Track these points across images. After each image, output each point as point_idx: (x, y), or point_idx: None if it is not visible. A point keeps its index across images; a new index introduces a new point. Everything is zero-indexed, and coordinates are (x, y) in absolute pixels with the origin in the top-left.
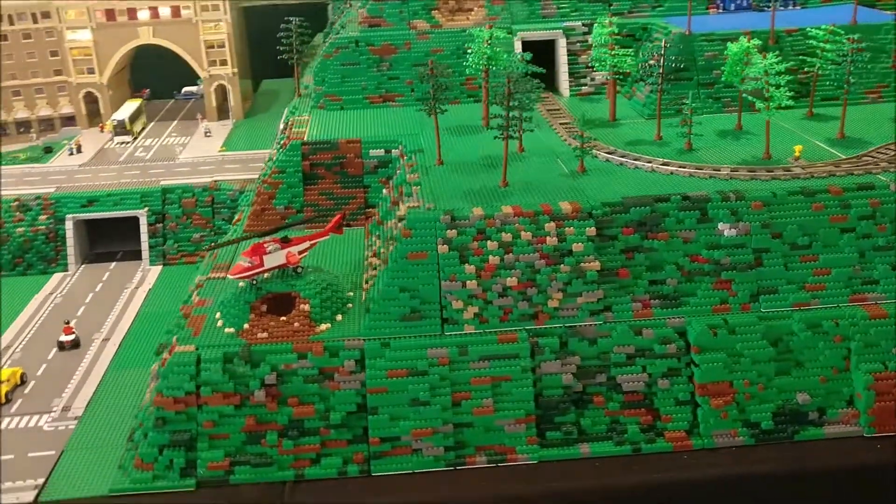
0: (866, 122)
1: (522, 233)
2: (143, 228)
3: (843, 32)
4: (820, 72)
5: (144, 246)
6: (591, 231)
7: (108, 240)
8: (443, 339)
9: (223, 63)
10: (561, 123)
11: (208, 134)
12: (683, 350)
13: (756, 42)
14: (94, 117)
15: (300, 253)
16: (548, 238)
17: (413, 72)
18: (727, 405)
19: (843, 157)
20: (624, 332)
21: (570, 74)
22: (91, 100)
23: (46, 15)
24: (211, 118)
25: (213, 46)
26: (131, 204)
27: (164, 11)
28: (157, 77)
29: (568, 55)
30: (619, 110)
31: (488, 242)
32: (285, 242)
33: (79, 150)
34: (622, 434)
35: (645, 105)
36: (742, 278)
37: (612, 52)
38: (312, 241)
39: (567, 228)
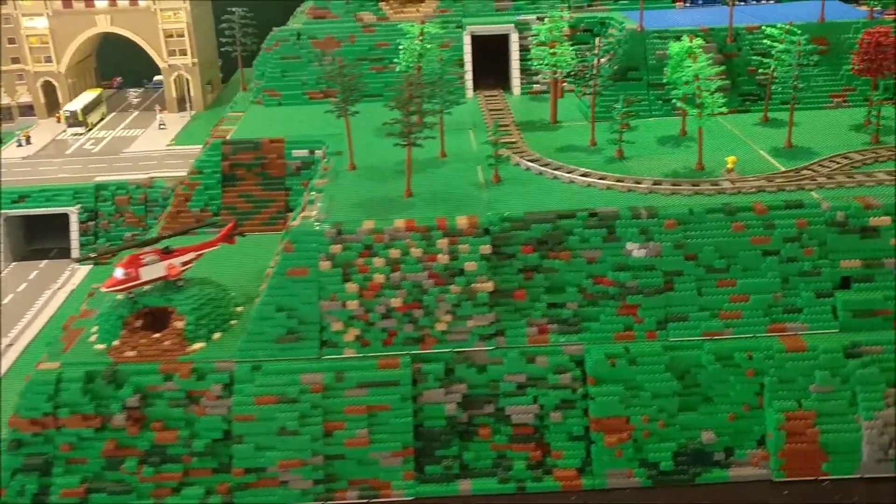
0: (822, 130)
1: (412, 249)
2: (74, 227)
3: (799, 32)
4: (776, 74)
5: (74, 244)
6: (486, 249)
7: (45, 236)
8: (318, 363)
9: (182, 53)
10: (500, 125)
11: (163, 126)
12: (580, 380)
13: (699, 42)
14: (54, 107)
15: (183, 264)
16: (439, 255)
17: (357, 67)
18: (622, 443)
19: (783, 169)
20: (515, 360)
21: (522, 72)
22: (50, 89)
23: (3, 1)
24: (171, 109)
25: (172, 36)
26: (63, 200)
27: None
28: (132, 65)
29: (520, 51)
30: (566, 111)
31: (375, 259)
32: (166, 253)
33: (28, 142)
34: (507, 470)
35: (591, 107)
36: (649, 303)
37: (552, 51)
38: (198, 252)
39: (461, 245)
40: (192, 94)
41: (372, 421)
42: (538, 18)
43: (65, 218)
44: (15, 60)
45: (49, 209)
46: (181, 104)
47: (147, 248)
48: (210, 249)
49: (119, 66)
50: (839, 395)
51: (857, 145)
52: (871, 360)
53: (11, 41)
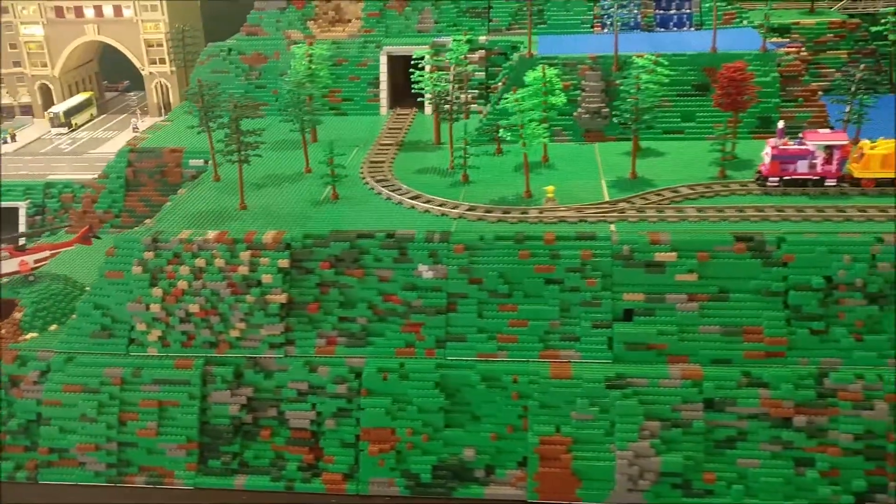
0: (682, 161)
1: (217, 260)
2: (22, 220)
3: (666, 63)
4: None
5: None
6: (284, 263)
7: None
8: (121, 359)
9: (162, 61)
10: (383, 144)
11: (136, 130)
12: (356, 391)
13: (555, 72)
14: (49, 107)
15: (36, 262)
16: (240, 267)
17: (279, 82)
18: (384, 453)
19: (606, 200)
20: (299, 368)
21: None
22: (47, 91)
23: (5, 10)
24: (153, 114)
25: (152, 45)
26: (14, 196)
27: (108, 10)
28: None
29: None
30: (459, 132)
31: (182, 267)
32: (20, 251)
33: (13, 139)
34: (281, 470)
35: (478, 129)
36: (432, 322)
37: (430, 76)
38: (53, 251)
39: (263, 258)
40: (172, 100)
41: (162, 415)
42: (454, 41)
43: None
44: (17, 64)
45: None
46: (167, 109)
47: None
48: (65, 249)
49: (128, 71)
50: (598, 424)
51: (701, 179)
52: (633, 393)
53: (13, 46)
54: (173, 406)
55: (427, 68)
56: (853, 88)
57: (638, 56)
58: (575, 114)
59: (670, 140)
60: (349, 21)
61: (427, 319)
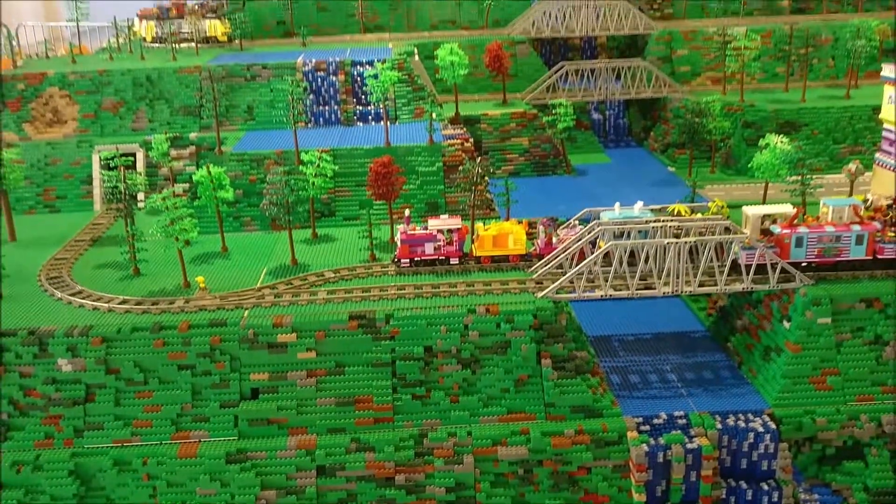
0: (345, 247)
1: None
2: None
3: (329, 159)
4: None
5: None
6: None
7: None
8: None
9: None
10: (77, 240)
11: None
12: None
13: (221, 169)
14: None
15: None
16: None
17: None
18: None
19: (256, 286)
20: None
21: (150, 188)
22: None
23: None
24: None
25: None
26: None
27: None
28: None
29: (148, 168)
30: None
31: None
32: None
33: None
34: None
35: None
36: (71, 414)
37: (110, 174)
38: None
39: None
40: None
41: None
42: (168, 139)
43: None
44: None
45: None
46: None
47: None
48: None
49: None
50: (220, 497)
51: (354, 262)
52: (252, 466)
53: None
54: None
55: (139, 165)
56: (475, 178)
57: (306, 152)
58: (261, 205)
59: (348, 226)
60: (66, 122)
61: (66, 411)
